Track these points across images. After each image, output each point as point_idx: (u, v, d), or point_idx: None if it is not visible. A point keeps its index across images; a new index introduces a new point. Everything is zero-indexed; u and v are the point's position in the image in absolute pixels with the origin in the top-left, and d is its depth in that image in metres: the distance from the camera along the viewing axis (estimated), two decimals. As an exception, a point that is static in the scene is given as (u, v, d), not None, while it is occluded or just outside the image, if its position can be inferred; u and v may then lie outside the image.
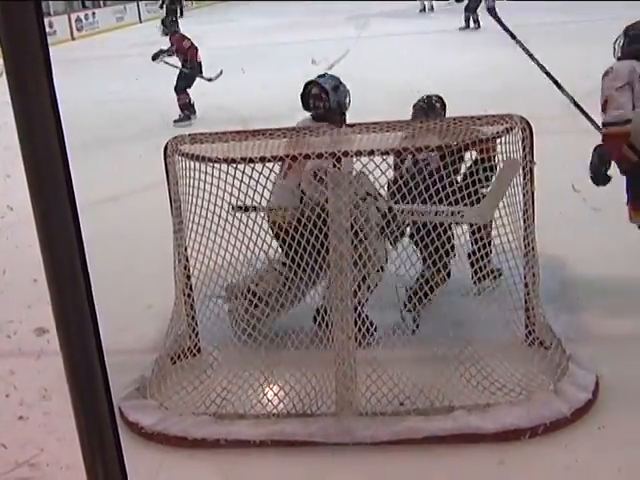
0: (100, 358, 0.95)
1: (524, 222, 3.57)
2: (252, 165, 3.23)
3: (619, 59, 4.37)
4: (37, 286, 3.88)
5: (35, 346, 4.04)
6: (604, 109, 4.20)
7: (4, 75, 0.89)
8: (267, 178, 3.28)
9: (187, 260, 3.68)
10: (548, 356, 3.54)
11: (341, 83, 4.36)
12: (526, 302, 3.66)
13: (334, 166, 3.16)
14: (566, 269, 4.72)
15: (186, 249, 3.66)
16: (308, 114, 4.37)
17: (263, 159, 3.27)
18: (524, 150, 3.44)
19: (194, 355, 3.84)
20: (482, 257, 3.57)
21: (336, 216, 3.17)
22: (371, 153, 3.18)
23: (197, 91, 10.18)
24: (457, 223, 3.57)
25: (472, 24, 18.22)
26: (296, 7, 25.33)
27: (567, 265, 4.77)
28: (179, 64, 10.05)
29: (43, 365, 3.84)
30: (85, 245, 0.94)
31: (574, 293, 4.40)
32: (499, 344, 3.52)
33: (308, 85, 4.33)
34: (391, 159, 3.31)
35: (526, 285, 3.62)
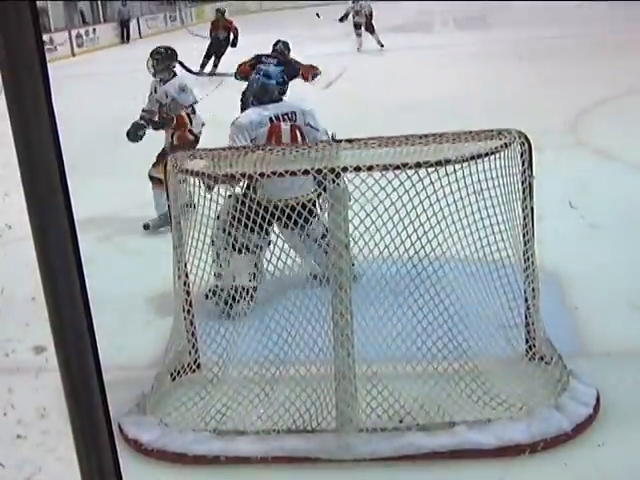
0: (98, 376, 0.94)
1: (523, 237, 3.57)
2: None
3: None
4: (35, 304, 3.87)
5: (33, 364, 4.03)
6: None
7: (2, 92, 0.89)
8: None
9: (187, 276, 3.68)
10: (549, 371, 3.53)
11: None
12: (526, 317, 3.66)
13: (333, 182, 3.16)
14: (565, 285, 4.71)
15: (186, 265, 3.66)
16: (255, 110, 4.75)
17: (262, 175, 3.28)
18: (523, 165, 3.44)
19: (194, 371, 3.83)
20: None
21: (335, 232, 3.17)
22: (370, 169, 3.17)
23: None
24: None
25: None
26: (290, 18, 25.34)
27: (566, 281, 4.76)
28: None
29: (41, 383, 3.83)
30: (83, 262, 0.94)
31: (574, 308, 4.40)
32: (500, 359, 3.51)
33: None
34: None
35: (526, 300, 3.61)
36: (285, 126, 4.69)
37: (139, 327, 4.55)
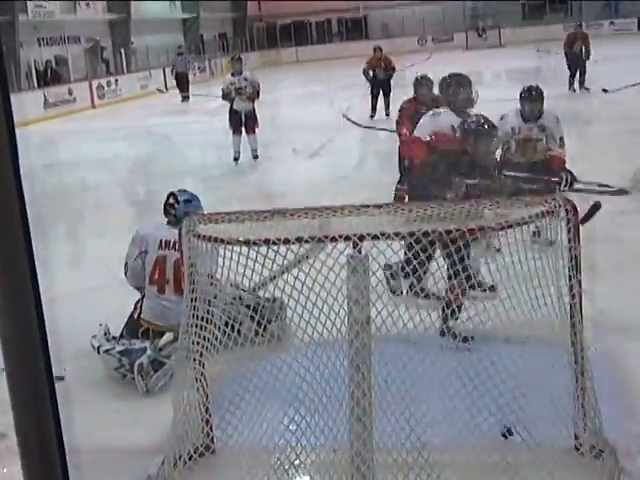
0: (62, 465, 0.93)
1: (571, 314, 3.49)
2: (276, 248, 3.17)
3: None
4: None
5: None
6: None
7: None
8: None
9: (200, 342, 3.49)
10: (599, 467, 3.42)
11: (195, 198, 5.21)
12: (575, 405, 3.55)
13: (354, 248, 3.08)
14: (620, 369, 4.58)
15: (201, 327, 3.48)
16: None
17: (287, 241, 3.17)
18: (569, 233, 3.40)
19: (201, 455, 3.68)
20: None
21: (353, 307, 3.08)
22: (402, 238, 3.07)
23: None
24: None
25: None
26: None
27: (621, 365, 4.63)
28: None
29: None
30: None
31: (630, 396, 4.27)
32: (547, 450, 3.41)
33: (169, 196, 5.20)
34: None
35: (575, 385, 3.51)
36: (172, 257, 4.83)
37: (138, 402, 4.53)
